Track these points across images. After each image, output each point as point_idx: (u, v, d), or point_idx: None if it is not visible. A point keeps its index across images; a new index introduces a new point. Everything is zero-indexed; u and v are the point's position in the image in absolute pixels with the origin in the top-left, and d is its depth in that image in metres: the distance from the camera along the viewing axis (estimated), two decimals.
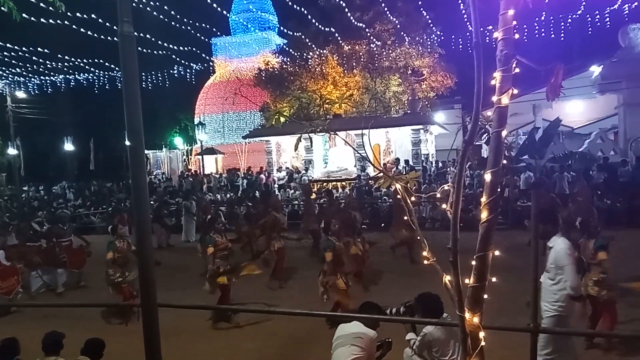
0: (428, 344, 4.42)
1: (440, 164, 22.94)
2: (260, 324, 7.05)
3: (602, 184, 15.88)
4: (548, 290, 5.19)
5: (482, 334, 2.47)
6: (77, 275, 10.59)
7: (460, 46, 23.50)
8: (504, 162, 2.59)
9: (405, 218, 2.87)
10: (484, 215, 2.44)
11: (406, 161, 22.55)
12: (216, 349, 6.51)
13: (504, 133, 2.49)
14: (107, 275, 8.20)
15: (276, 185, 22.15)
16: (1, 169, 31.98)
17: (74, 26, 15.78)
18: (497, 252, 2.46)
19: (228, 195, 20.39)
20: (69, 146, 36.78)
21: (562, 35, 22.02)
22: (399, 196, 2.86)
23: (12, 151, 28.01)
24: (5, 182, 32.73)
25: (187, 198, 17.13)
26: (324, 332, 6.16)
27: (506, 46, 2.47)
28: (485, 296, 2.49)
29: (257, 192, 20.58)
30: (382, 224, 14.38)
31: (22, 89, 27.86)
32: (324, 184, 21.18)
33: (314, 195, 15.89)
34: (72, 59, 22.31)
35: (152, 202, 19.13)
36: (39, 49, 19.41)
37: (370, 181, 19.60)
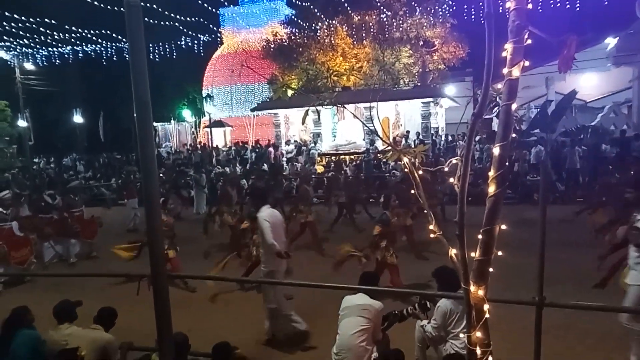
0: (443, 315, 4.46)
1: (450, 138, 22.77)
2: None
3: (614, 159, 15.70)
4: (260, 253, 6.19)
5: (486, 307, 2.49)
6: (89, 245, 10.79)
7: (473, 16, 22.96)
8: (513, 135, 2.56)
9: (413, 192, 2.86)
10: (491, 189, 2.43)
11: (417, 134, 22.42)
12: (223, 319, 6.62)
13: (514, 106, 2.45)
14: None
15: (284, 159, 22.18)
16: (12, 141, 32.17)
17: None
18: (504, 227, 2.46)
19: (237, 168, 20.45)
20: (78, 118, 36.88)
21: (577, 5, 21.44)
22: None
23: (22, 123, 28.16)
24: (16, 154, 33.00)
25: (197, 171, 17.22)
26: (329, 305, 6.23)
27: (518, 17, 2.42)
28: (491, 270, 2.50)
29: (265, 164, 20.65)
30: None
31: (30, 60, 27.83)
32: (333, 157, 21.15)
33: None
34: (80, 30, 22.19)
35: (161, 175, 19.29)
36: (45, 19, 19.31)
37: (379, 155, 19.53)
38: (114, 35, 23.87)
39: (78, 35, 22.71)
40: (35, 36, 21.94)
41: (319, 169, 20.12)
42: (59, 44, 25.10)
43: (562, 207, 13.24)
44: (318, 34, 25.49)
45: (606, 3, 21.25)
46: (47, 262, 10.14)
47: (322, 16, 24.10)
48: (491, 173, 2.44)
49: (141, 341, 4.91)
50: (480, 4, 21.05)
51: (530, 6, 2.46)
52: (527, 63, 2.45)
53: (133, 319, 5.81)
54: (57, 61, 27.77)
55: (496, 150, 2.44)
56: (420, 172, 2.87)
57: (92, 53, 27.32)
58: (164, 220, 8.30)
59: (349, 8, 23.33)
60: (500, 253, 2.51)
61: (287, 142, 25.76)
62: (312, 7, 23.48)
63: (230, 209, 10.60)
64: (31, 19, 18.62)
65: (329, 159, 20.62)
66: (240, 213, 10.50)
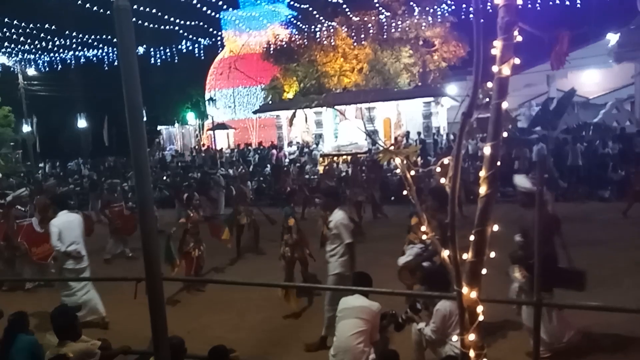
0: (442, 317, 4.36)
1: (451, 137, 22.70)
2: (268, 296, 7.13)
3: (617, 155, 15.62)
4: None
5: (480, 309, 2.44)
6: (125, 242, 10.66)
7: (471, 15, 22.88)
8: (505, 135, 2.52)
9: (405, 193, 2.83)
10: (482, 189, 2.39)
11: (418, 133, 22.39)
12: (223, 320, 6.61)
13: (504, 105, 2.42)
14: (181, 243, 8.02)
15: (287, 160, 22.21)
16: (16, 146, 32.25)
17: (79, 1, 15.70)
18: (495, 227, 2.41)
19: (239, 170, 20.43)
20: (82, 122, 37.05)
21: (578, 1, 21.32)
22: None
23: (26, 128, 28.30)
24: (21, 159, 33.13)
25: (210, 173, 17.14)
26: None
27: (507, 13, 2.38)
28: (485, 271, 2.46)
29: (268, 166, 20.67)
30: (392, 197, 14.41)
31: (33, 66, 27.97)
32: (335, 157, 21.13)
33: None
34: (81, 35, 22.30)
35: (165, 178, 19.33)
36: (46, 25, 19.41)
37: (379, 155, 19.49)
38: (115, 39, 23.94)
39: (80, 40, 22.81)
40: (37, 42, 22.05)
41: (321, 169, 20.10)
42: (61, 50, 25.22)
43: (565, 204, 13.17)
44: (318, 35, 25.43)
45: None
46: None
47: (322, 17, 24.04)
48: (482, 173, 2.41)
49: (141, 344, 4.91)
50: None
51: (520, 1, 2.42)
52: (517, 61, 2.41)
53: (133, 323, 5.82)
54: (60, 66, 27.92)
55: (487, 150, 2.41)
56: (413, 172, 2.84)
57: (95, 58, 27.42)
58: (190, 217, 8.19)
59: (347, 9, 23.27)
60: (492, 254, 2.47)
61: (290, 144, 25.78)
62: (311, 8, 23.43)
63: (246, 208, 10.25)
64: (32, 25, 18.72)
65: (331, 159, 20.59)
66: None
